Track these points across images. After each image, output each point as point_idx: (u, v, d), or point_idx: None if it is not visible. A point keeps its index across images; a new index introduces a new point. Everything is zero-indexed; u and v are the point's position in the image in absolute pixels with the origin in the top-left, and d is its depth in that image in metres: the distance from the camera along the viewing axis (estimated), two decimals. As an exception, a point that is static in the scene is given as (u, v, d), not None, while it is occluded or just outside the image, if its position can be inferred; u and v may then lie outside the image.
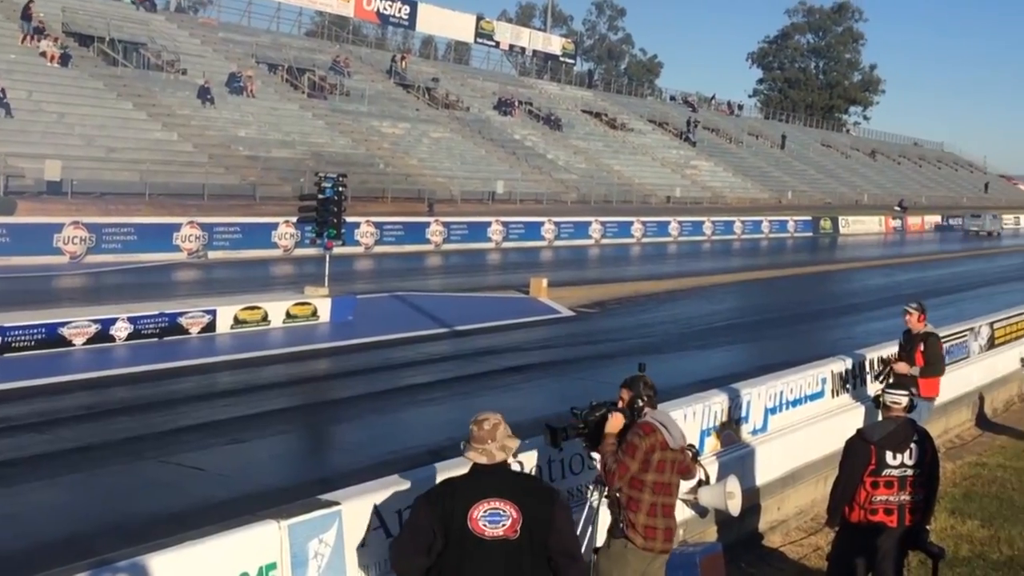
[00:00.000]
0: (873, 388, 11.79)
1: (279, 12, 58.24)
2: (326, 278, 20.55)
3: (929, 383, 11.40)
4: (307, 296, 19.68)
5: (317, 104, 48.73)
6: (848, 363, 12.43)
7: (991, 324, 17.44)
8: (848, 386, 12.25)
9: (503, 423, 5.32)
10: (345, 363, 16.80)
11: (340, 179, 20.98)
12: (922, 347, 11.28)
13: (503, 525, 5.05)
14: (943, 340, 15.04)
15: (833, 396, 11.90)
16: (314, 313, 19.20)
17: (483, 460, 5.20)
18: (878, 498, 7.07)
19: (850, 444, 7.35)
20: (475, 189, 47.93)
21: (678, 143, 75.35)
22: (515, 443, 5.36)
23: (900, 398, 7.32)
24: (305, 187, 30.01)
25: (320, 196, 20.57)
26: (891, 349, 12.26)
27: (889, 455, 7.08)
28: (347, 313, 19.74)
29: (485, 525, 5.04)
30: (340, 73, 53.64)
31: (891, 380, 9.69)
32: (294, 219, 26.00)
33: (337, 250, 22.20)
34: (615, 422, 6.62)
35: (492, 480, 5.17)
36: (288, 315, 18.83)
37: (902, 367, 10.91)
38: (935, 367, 11.54)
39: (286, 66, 50.90)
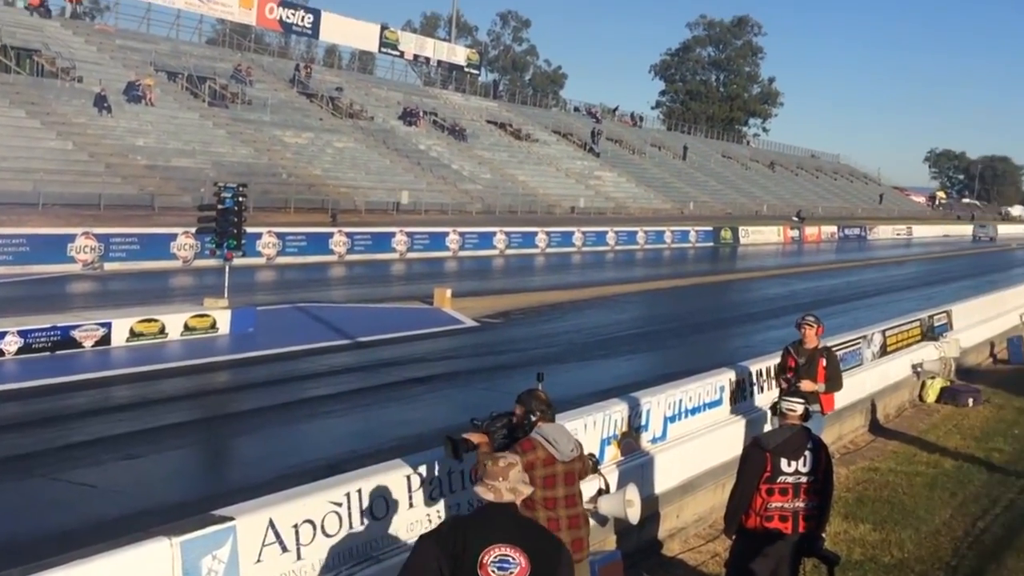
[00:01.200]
0: (768, 398, 11.96)
1: (179, 19, 57.23)
2: (226, 289, 20.25)
3: (829, 398, 11.42)
4: (206, 308, 19.36)
5: (218, 113, 48.04)
6: (745, 372, 12.60)
7: (883, 332, 17.86)
8: (746, 394, 12.42)
9: (519, 466, 5.24)
10: (245, 376, 16.57)
11: (240, 189, 20.73)
12: (824, 363, 10.95)
13: (511, 573, 4.90)
14: (837, 348, 15.43)
15: (731, 404, 12.05)
16: (213, 325, 18.89)
17: (490, 497, 5.05)
18: (773, 505, 7.17)
19: (746, 452, 7.47)
20: (380, 199, 47.71)
21: (582, 154, 75.95)
22: (528, 489, 5.25)
23: (796, 406, 7.43)
24: (205, 197, 29.56)
25: (220, 206, 20.28)
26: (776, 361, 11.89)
27: (784, 462, 7.19)
28: (247, 325, 19.47)
29: (494, 571, 4.89)
30: (242, 82, 52.96)
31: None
32: (193, 230, 25.60)
33: (238, 261, 21.91)
34: (476, 439, 6.65)
35: (502, 523, 5.01)
36: (186, 327, 18.50)
37: (808, 385, 10.63)
38: (837, 383, 11.37)
39: (186, 74, 50.08)
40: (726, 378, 12.10)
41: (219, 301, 19.72)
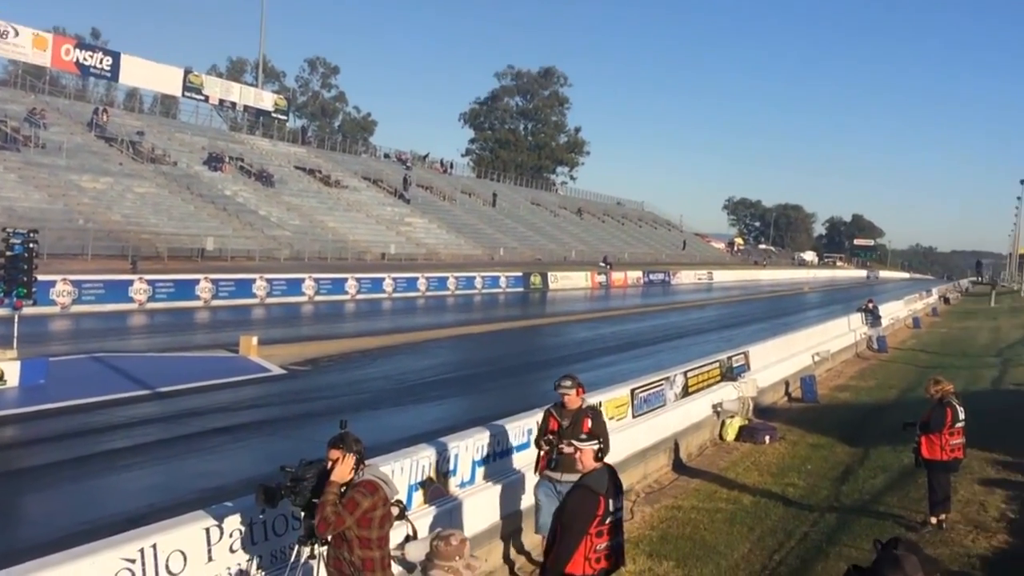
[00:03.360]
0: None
1: (-34, 59, 54.60)
2: (15, 340, 19.25)
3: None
4: (-7, 359, 18.33)
5: (9, 157, 45.93)
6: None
7: (685, 373, 18.38)
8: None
9: (467, 540, 5.07)
10: (36, 430, 15.72)
11: (31, 235, 19.79)
12: (589, 423, 9.84)
13: None
14: (641, 390, 15.81)
15: (538, 446, 12.06)
16: (0, 377, 17.89)
17: None
18: (600, 546, 7.08)
19: (579, 498, 7.17)
20: (183, 246, 46.48)
21: (392, 200, 75.95)
22: (479, 563, 5.11)
23: (595, 443, 7.47)
24: (-7, 244, 28.13)
25: (8, 253, 19.31)
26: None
27: (611, 502, 7.20)
28: (38, 376, 18.53)
29: None
30: (36, 125, 50.85)
31: (556, 461, 9.62)
32: (-20, 277, 24.30)
33: (29, 310, 20.89)
34: (343, 470, 6.57)
35: None
36: (-29, 380, 17.47)
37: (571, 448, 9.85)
38: (604, 444, 10.81)
39: (-26, 116, 47.81)
40: (534, 421, 12.11)
41: (7, 352, 18.70)
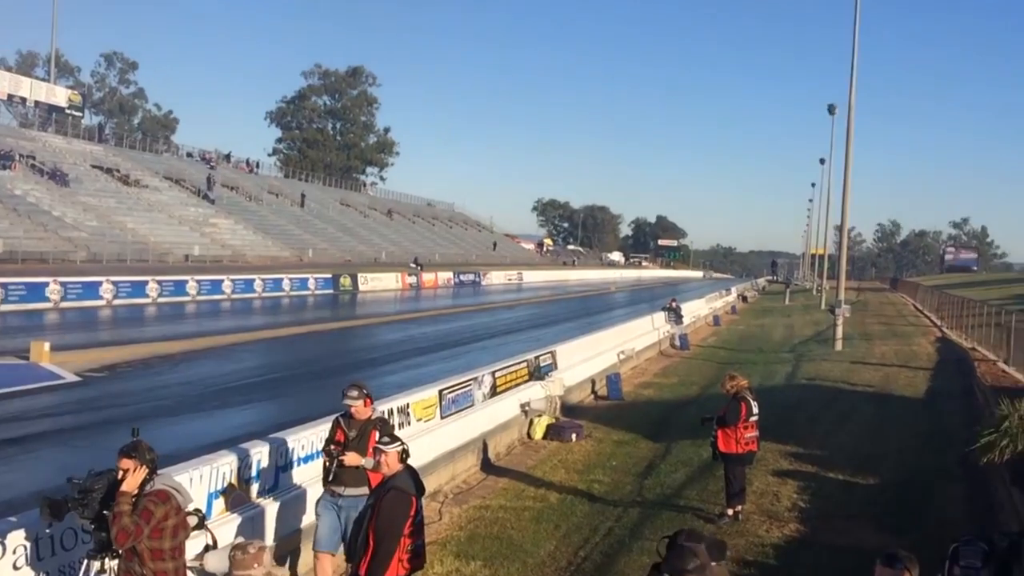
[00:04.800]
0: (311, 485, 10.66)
1: None
2: None
3: (379, 477, 9.93)
4: None
5: None
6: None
7: (493, 373, 18.49)
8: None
9: (268, 548, 4.82)
10: None
11: None
12: (377, 436, 8.70)
13: None
14: (450, 390, 15.83)
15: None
16: None
17: None
18: (410, 547, 7.07)
19: (394, 500, 7.08)
20: (-31, 248, 44.08)
21: (196, 200, 73.95)
22: (282, 571, 4.88)
23: (399, 445, 7.43)
24: None
25: None
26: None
27: (419, 502, 7.20)
28: None
29: None
30: None
31: (334, 473, 9.18)
32: None
33: None
34: (135, 480, 6.38)
35: None
36: None
37: (353, 459, 9.14)
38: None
39: None
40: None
41: None
